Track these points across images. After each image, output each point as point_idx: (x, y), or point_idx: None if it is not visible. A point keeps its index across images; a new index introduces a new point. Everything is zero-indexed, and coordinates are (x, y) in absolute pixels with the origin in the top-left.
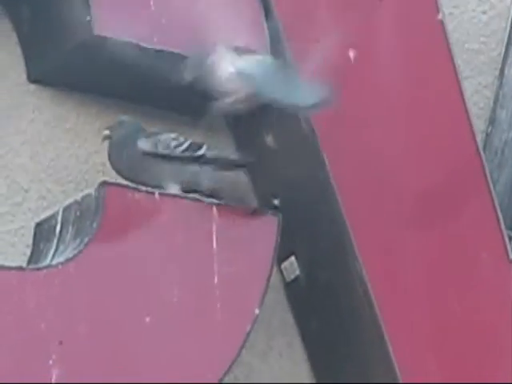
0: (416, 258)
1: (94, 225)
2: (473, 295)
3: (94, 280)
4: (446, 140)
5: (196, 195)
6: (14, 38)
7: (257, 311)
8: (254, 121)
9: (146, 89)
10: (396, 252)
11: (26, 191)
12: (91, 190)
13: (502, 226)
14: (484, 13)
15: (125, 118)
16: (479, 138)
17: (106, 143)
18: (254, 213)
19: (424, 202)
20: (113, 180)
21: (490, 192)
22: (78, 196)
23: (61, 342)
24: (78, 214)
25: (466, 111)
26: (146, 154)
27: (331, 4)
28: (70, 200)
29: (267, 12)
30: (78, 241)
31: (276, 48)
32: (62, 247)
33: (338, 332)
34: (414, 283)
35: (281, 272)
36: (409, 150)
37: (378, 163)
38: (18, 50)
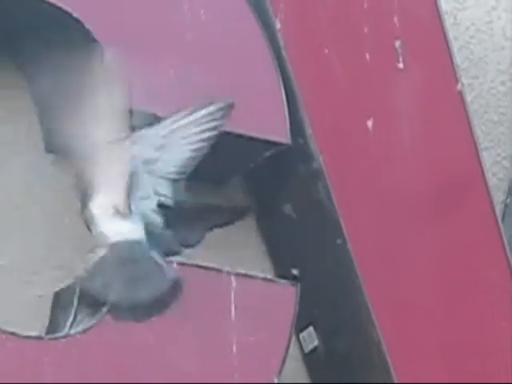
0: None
1: None
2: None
3: (111, 350)
4: (466, 213)
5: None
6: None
7: (275, 381)
8: (274, 190)
9: None
10: (414, 320)
11: (45, 260)
12: None
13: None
14: (503, 84)
15: None
16: (498, 208)
17: None
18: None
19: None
20: None
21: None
22: None
23: None
24: None
25: (485, 182)
26: None
27: (350, 73)
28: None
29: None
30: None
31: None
32: (79, 316)
33: None
34: (432, 349)
35: (299, 342)
36: (429, 224)
37: (397, 234)
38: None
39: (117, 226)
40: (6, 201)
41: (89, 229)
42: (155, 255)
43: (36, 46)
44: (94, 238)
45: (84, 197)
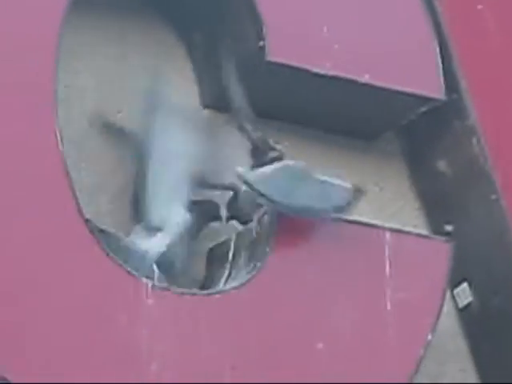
0: None
1: (267, 249)
2: None
3: (266, 305)
4: None
5: None
6: (189, 63)
7: (429, 337)
8: (428, 146)
9: (314, 113)
10: None
11: None
12: (263, 216)
13: None
14: None
15: None
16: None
17: None
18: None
19: None
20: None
21: None
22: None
23: (233, 367)
24: (251, 238)
25: None
26: None
27: (504, 28)
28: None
29: (441, 43)
30: (250, 266)
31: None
32: (234, 272)
33: (511, 356)
34: None
35: (453, 298)
36: None
37: None
38: (193, 76)
39: None
40: None
41: None
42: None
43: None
44: None
45: None
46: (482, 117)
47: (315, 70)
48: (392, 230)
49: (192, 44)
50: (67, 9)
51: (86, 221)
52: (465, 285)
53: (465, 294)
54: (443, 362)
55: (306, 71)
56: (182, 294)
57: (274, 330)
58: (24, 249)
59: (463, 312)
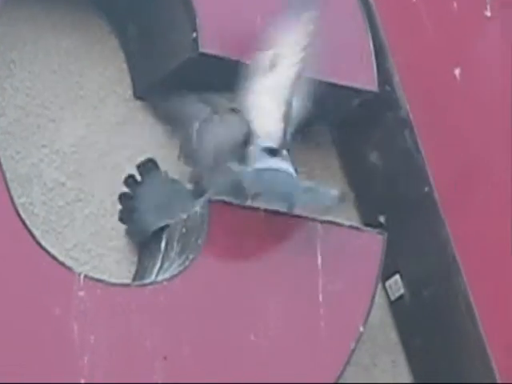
0: None
1: (199, 241)
2: None
3: (198, 296)
4: None
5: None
6: (121, 54)
7: (361, 329)
8: (360, 138)
9: None
10: (499, 267)
11: None
12: (197, 207)
13: None
14: None
15: None
16: None
17: None
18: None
19: None
20: (218, 197)
21: None
22: (184, 213)
23: (165, 358)
24: (183, 230)
25: None
26: None
27: (437, 21)
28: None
29: (374, 35)
30: (183, 257)
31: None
32: (167, 264)
33: (442, 349)
34: None
35: (385, 290)
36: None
37: (480, 178)
38: (125, 67)
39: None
40: (96, 148)
41: None
42: None
43: None
44: None
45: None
46: (415, 109)
47: (249, 61)
48: (324, 222)
49: (125, 36)
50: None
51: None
52: (397, 277)
53: (397, 286)
54: (374, 354)
55: (240, 63)
56: (114, 285)
57: (206, 322)
58: None
59: (395, 304)
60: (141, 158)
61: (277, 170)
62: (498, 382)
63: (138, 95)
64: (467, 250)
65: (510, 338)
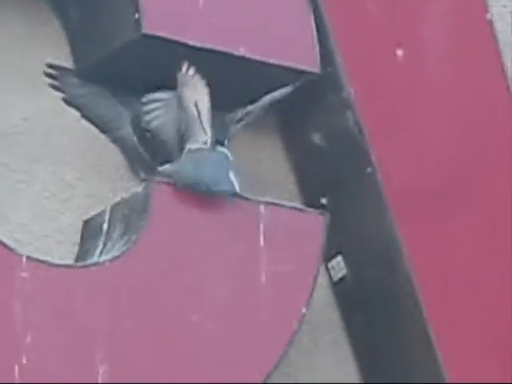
0: (462, 253)
1: (142, 222)
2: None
3: (141, 277)
4: (492, 138)
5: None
6: (64, 36)
7: (304, 310)
8: (303, 119)
9: None
10: (443, 248)
11: (74, 188)
12: (139, 188)
13: None
14: None
15: None
16: None
17: None
18: None
19: (469, 196)
20: (159, 177)
21: None
22: (126, 194)
23: (107, 338)
24: (125, 211)
25: None
26: None
27: (380, 1)
28: (117, 198)
29: (316, 16)
30: (125, 238)
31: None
32: (109, 245)
33: (384, 330)
34: (460, 279)
35: (327, 271)
36: (454, 145)
37: (424, 159)
38: (67, 49)
39: None
40: (39, 130)
41: None
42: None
43: None
44: None
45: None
46: (358, 90)
47: (191, 42)
48: (266, 203)
49: (67, 17)
50: None
51: None
52: (339, 258)
53: (339, 266)
54: (317, 334)
55: (182, 44)
56: (57, 266)
57: (149, 302)
58: None
59: (338, 285)
60: (84, 141)
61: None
62: (440, 363)
63: (81, 77)
64: (410, 228)
65: (454, 320)
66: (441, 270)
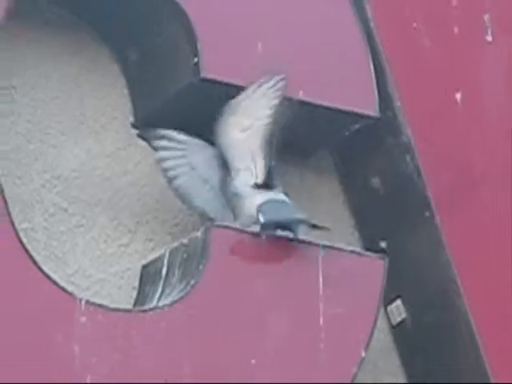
0: None
1: (201, 267)
2: None
3: (199, 322)
4: None
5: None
6: (122, 80)
7: (363, 353)
8: (362, 163)
9: None
10: (502, 292)
11: (133, 233)
12: (198, 233)
13: None
14: None
15: None
16: None
17: None
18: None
19: None
20: (219, 223)
21: None
22: (185, 238)
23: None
24: (184, 256)
25: None
26: None
27: (439, 46)
28: (176, 242)
29: (375, 59)
30: (184, 283)
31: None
32: (168, 290)
33: (444, 374)
34: None
35: (387, 315)
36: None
37: (482, 202)
38: (126, 92)
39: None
40: (97, 174)
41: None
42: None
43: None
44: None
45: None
46: (416, 134)
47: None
48: (325, 247)
49: (126, 61)
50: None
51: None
52: (398, 302)
53: (398, 310)
54: (377, 378)
55: (241, 88)
56: (115, 310)
57: (207, 347)
58: None
59: (397, 329)
60: (143, 185)
61: (276, 201)
62: None
63: (140, 121)
64: (468, 273)
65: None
66: (501, 311)
